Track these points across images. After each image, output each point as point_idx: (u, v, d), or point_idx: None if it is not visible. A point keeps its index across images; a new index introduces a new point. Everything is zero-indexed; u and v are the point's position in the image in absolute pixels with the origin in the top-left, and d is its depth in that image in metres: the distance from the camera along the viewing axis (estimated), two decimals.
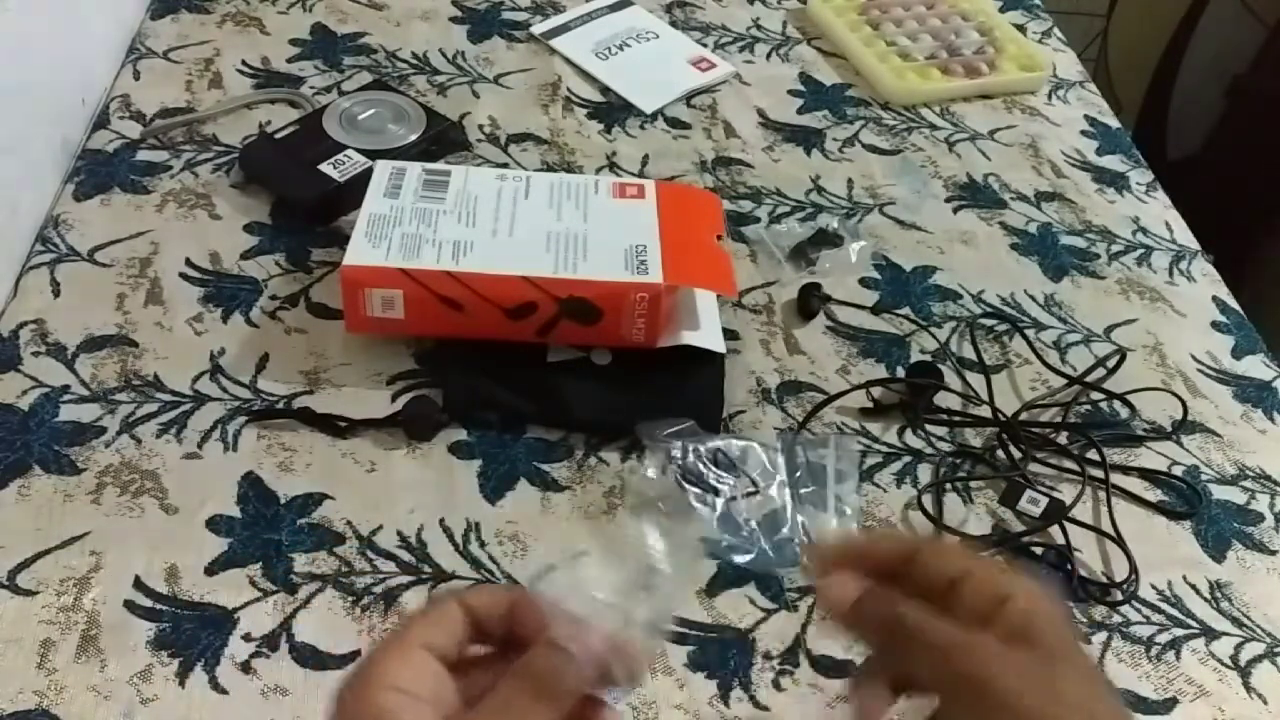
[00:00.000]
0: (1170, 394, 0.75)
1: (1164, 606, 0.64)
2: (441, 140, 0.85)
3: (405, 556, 0.61)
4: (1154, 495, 0.70)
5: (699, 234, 0.74)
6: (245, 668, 0.55)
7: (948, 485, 0.68)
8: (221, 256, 0.76)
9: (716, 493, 0.64)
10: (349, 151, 0.81)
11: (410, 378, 0.70)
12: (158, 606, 0.57)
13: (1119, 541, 0.66)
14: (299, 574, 0.59)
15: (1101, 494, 0.68)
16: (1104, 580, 0.64)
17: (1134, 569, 0.65)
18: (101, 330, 0.70)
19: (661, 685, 0.57)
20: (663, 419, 0.67)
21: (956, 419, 0.72)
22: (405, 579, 0.60)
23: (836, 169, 0.91)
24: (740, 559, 0.62)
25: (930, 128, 0.97)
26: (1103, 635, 0.62)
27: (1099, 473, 0.69)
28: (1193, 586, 0.65)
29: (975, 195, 0.90)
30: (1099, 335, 0.80)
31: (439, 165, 0.77)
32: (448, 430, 0.67)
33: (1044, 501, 0.65)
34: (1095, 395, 0.75)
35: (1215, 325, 0.83)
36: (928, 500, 0.67)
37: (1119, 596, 0.64)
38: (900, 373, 0.74)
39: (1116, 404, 0.74)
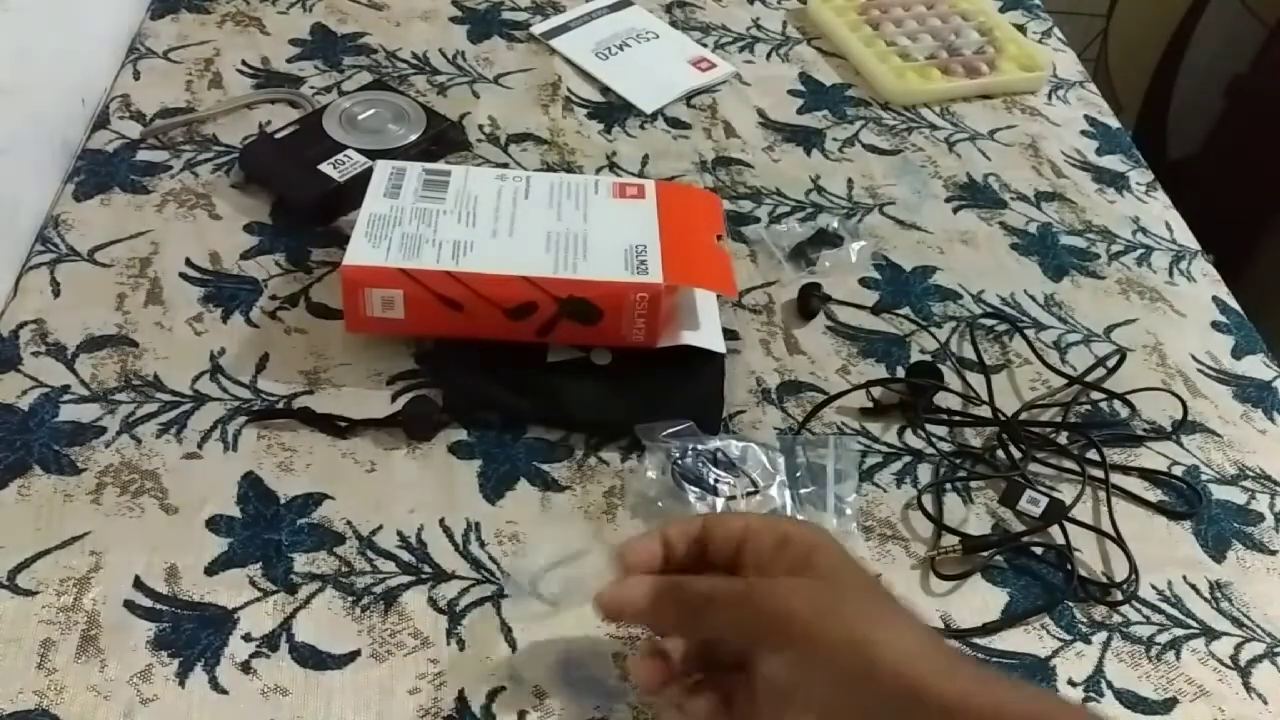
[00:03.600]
0: (1170, 394, 0.75)
1: (1164, 606, 0.64)
2: (441, 140, 0.85)
3: (405, 556, 0.61)
4: (1154, 495, 0.70)
5: (699, 234, 0.74)
6: (245, 668, 0.55)
7: (948, 485, 0.68)
8: (221, 256, 0.76)
9: (716, 493, 0.64)
10: (349, 151, 0.81)
11: (410, 378, 0.70)
12: (158, 606, 0.57)
13: (1119, 541, 0.66)
14: (299, 574, 0.59)
15: (1101, 494, 0.68)
16: (1104, 580, 0.64)
17: (1134, 569, 0.65)
18: (101, 330, 0.70)
19: None
20: (662, 419, 0.67)
21: (956, 419, 0.72)
22: (405, 579, 0.60)
23: (836, 169, 0.91)
24: None
25: (930, 128, 0.97)
26: (1103, 635, 0.62)
27: (1099, 473, 0.69)
28: (1193, 586, 0.65)
29: (975, 195, 0.90)
30: (1099, 335, 0.80)
31: (439, 165, 0.77)
32: (448, 430, 0.67)
33: (1044, 501, 0.65)
34: (1095, 395, 0.75)
35: (1215, 325, 0.83)
36: (928, 500, 0.67)
37: (1119, 596, 0.64)
38: (900, 373, 0.74)
39: (1117, 404, 0.74)
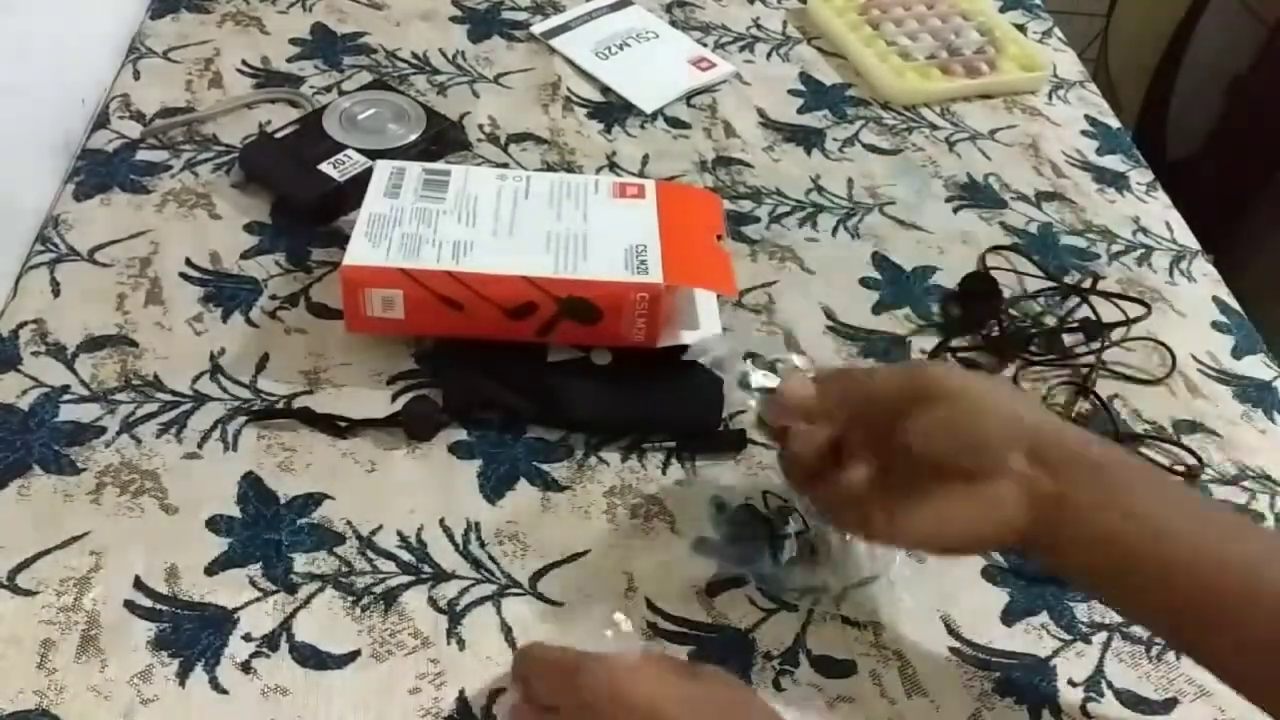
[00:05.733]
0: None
1: None
2: (441, 140, 0.85)
3: (405, 556, 0.61)
4: None
5: (699, 234, 0.74)
6: (245, 668, 0.55)
7: None
8: (221, 256, 0.76)
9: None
10: (349, 151, 0.81)
11: (410, 378, 0.70)
12: (158, 606, 0.57)
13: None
14: (299, 574, 0.59)
15: None
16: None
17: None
18: (101, 330, 0.70)
19: None
20: (662, 419, 0.68)
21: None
22: (405, 579, 0.60)
23: (836, 169, 0.91)
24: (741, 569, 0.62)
25: (930, 128, 0.97)
26: (1103, 635, 0.62)
27: None
28: None
29: (975, 195, 0.90)
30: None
31: (439, 165, 0.77)
32: (448, 430, 0.67)
33: None
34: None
35: (1215, 325, 0.83)
36: None
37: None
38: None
39: (1115, 403, 0.75)
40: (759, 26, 1.06)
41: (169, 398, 0.67)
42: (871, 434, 0.54)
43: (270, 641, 0.56)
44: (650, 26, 1.03)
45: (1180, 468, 0.71)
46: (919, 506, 0.51)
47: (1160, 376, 0.77)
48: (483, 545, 0.62)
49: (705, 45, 1.02)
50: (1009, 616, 0.62)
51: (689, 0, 1.08)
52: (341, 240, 0.69)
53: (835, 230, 0.85)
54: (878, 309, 0.79)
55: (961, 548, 0.56)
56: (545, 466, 0.66)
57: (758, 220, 0.85)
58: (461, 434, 0.67)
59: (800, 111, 0.97)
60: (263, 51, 0.93)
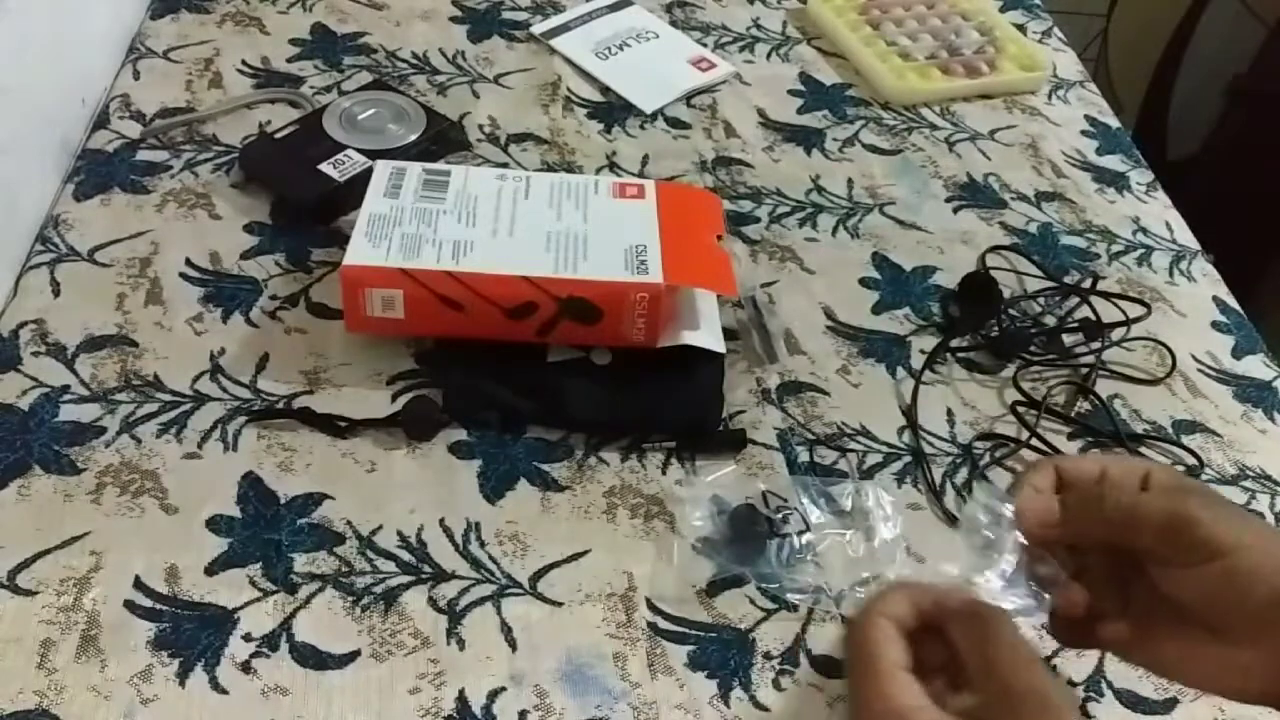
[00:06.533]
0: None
1: None
2: (441, 140, 0.85)
3: (405, 556, 0.61)
4: None
5: (699, 234, 0.74)
6: (245, 668, 0.55)
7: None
8: (221, 256, 0.76)
9: (773, 534, 0.63)
10: (349, 151, 0.81)
11: (410, 378, 0.70)
12: (158, 606, 0.57)
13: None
14: (299, 574, 0.59)
15: None
16: None
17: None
18: (101, 330, 0.70)
19: (662, 685, 0.57)
20: (663, 419, 0.67)
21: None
22: (405, 579, 0.60)
23: (836, 169, 0.91)
24: (741, 569, 0.62)
25: (930, 128, 0.97)
26: None
27: None
28: None
29: (975, 195, 0.90)
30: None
31: (439, 165, 0.77)
32: (448, 430, 0.67)
33: None
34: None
35: (1215, 325, 0.83)
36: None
37: None
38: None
39: (1115, 403, 0.75)
40: (759, 26, 1.06)
41: (169, 398, 0.67)
42: (1113, 555, 0.49)
43: (270, 641, 0.56)
44: (650, 26, 1.03)
45: (1180, 468, 0.71)
46: (1154, 639, 0.47)
47: (1160, 376, 0.77)
48: (483, 545, 0.62)
49: (705, 45, 1.02)
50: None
51: (689, 0, 1.08)
52: (341, 240, 0.69)
53: (835, 230, 0.85)
54: (878, 309, 0.79)
55: (1192, 686, 0.52)
56: (545, 466, 0.66)
57: (758, 220, 0.85)
58: (461, 434, 0.67)
59: (800, 111, 0.97)
60: (263, 51, 0.93)
